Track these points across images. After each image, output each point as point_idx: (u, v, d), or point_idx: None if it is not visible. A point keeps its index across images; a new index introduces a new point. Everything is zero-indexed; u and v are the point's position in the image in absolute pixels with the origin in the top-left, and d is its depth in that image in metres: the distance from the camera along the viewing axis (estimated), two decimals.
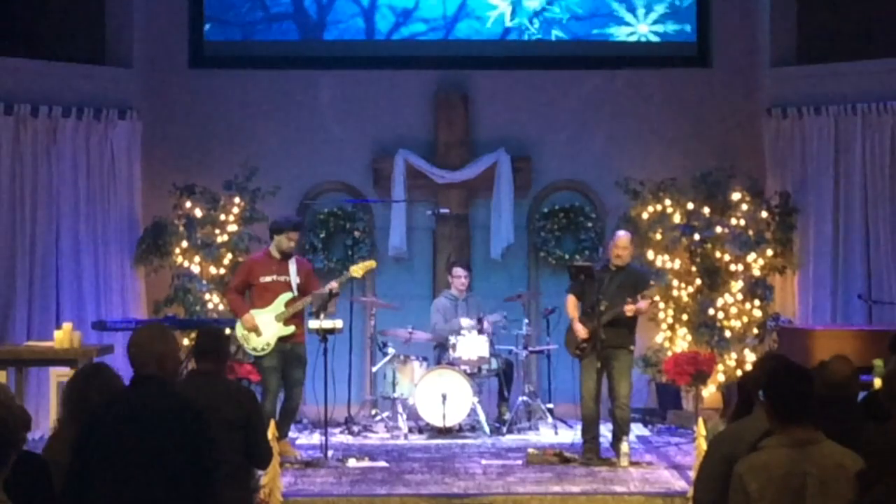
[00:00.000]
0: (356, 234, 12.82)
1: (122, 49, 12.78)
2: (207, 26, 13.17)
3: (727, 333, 12.26)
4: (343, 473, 9.52)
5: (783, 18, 12.91)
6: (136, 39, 12.79)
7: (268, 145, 12.91)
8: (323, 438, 10.24)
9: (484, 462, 10.03)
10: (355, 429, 11.52)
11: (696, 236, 12.34)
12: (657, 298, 11.67)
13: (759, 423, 4.82)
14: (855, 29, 12.71)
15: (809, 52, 12.84)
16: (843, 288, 12.34)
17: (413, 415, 11.46)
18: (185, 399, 5.06)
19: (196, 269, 12.19)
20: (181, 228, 12.22)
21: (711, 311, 12.28)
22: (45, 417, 10.79)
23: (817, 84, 12.63)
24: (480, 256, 12.88)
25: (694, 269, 12.38)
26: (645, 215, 12.45)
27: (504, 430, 11.46)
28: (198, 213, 12.26)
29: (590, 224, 12.91)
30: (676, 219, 12.41)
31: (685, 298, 12.37)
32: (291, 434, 10.65)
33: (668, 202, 12.44)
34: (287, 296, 10.08)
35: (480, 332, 11.51)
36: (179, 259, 12.21)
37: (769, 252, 12.43)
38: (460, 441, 11.08)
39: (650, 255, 12.38)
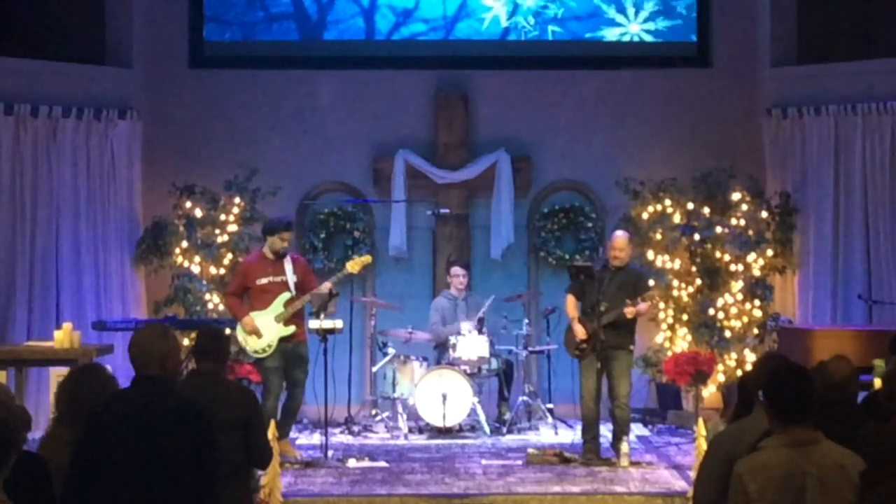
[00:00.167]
0: (356, 234, 12.82)
1: (122, 49, 12.78)
2: (208, 26, 13.18)
3: (727, 333, 12.26)
4: (343, 473, 9.52)
5: (783, 18, 12.91)
6: (136, 39, 12.79)
7: (268, 145, 12.91)
8: (323, 438, 10.25)
9: (484, 462, 10.03)
10: (355, 429, 11.52)
11: (696, 236, 12.34)
12: (657, 300, 11.65)
13: (759, 423, 4.83)
14: (855, 29, 12.72)
15: (809, 52, 12.84)
16: (843, 288, 12.34)
17: (413, 415, 11.46)
18: (186, 399, 5.06)
19: (196, 270, 12.19)
20: (181, 228, 12.23)
21: (711, 311, 12.28)
22: (45, 417, 10.72)
23: (817, 84, 12.63)
24: (480, 256, 12.89)
25: (694, 269, 12.38)
26: (645, 215, 12.45)
27: (504, 430, 11.46)
28: (198, 213, 12.26)
29: (590, 224, 12.91)
30: (676, 219, 12.41)
31: (685, 298, 12.37)
32: (292, 434, 10.64)
33: (668, 202, 12.44)
34: (285, 296, 10.08)
35: (480, 332, 11.51)
36: (179, 259, 12.21)
37: (769, 252, 12.43)
38: (460, 441, 11.08)
39: (650, 255, 12.38)
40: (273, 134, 12.98)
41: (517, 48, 13.27)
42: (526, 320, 12.02)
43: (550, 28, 13.15)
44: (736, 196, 12.41)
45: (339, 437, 11.25)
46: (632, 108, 13.06)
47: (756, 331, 12.28)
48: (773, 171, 12.75)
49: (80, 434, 5.02)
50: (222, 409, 5.90)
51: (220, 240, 12.26)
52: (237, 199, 12.31)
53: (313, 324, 10.25)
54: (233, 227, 12.29)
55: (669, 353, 12.28)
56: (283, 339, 10.05)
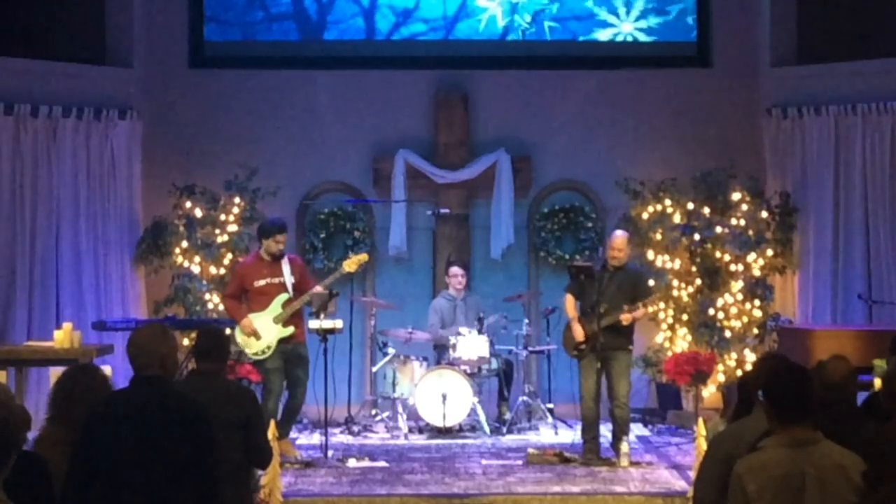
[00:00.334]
0: (356, 234, 12.82)
1: (122, 49, 12.78)
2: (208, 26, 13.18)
3: (727, 333, 12.26)
4: (343, 473, 9.52)
5: (783, 18, 12.91)
6: (136, 39, 12.79)
7: (268, 145, 12.91)
8: (323, 438, 10.26)
9: (484, 462, 10.03)
10: (355, 429, 11.52)
11: (696, 236, 12.34)
12: (657, 304, 11.65)
13: (759, 423, 4.83)
14: (855, 29, 12.71)
15: (809, 52, 12.84)
16: (843, 288, 12.34)
17: (413, 415, 11.46)
18: (186, 399, 5.06)
19: (196, 270, 12.19)
20: (181, 228, 12.23)
21: (711, 311, 12.28)
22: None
23: (817, 84, 12.63)
24: (480, 256, 12.89)
25: (694, 269, 12.38)
26: (645, 215, 12.44)
27: (504, 430, 11.46)
28: (198, 213, 12.26)
29: (590, 224, 12.91)
30: (676, 219, 12.41)
31: (685, 298, 12.37)
32: (292, 434, 10.64)
33: (668, 202, 12.44)
34: (283, 297, 10.06)
35: (480, 332, 11.51)
36: (179, 259, 12.21)
37: (769, 252, 12.43)
38: (460, 441, 11.08)
39: (650, 255, 12.38)
40: (273, 134, 12.98)
41: (517, 48, 13.27)
42: (526, 320, 12.02)
43: (547, 24, 13.14)
44: (736, 196, 12.40)
45: (339, 437, 11.25)
46: (632, 108, 13.06)
47: (756, 331, 12.29)
48: (773, 171, 12.75)
49: (77, 434, 5.02)
50: (222, 409, 5.90)
51: (220, 240, 12.26)
52: (237, 199, 12.31)
53: (313, 324, 10.25)
54: (233, 227, 12.29)
55: (669, 353, 12.28)
56: (282, 340, 10.04)
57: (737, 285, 12.34)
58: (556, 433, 11.42)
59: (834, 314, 12.32)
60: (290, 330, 10.04)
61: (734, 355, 12.24)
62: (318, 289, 10.19)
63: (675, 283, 12.34)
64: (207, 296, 12.05)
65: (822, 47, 12.75)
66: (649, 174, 12.59)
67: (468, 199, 12.99)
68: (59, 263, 12.06)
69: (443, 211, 12.67)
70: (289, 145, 12.99)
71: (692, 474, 8.48)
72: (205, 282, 12.16)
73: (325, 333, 10.08)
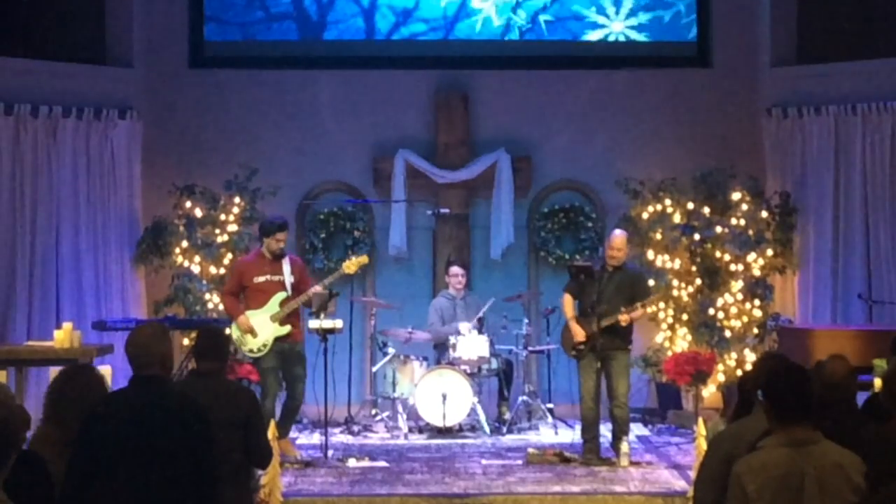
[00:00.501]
0: (356, 234, 12.83)
1: (122, 49, 12.79)
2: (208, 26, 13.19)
3: (727, 333, 12.26)
4: (343, 473, 9.52)
5: (783, 18, 12.91)
6: (136, 39, 12.80)
7: (268, 145, 12.91)
8: (323, 438, 10.25)
9: (484, 462, 10.03)
10: (355, 429, 11.52)
11: (696, 236, 12.34)
12: (655, 305, 11.65)
13: (759, 423, 4.82)
14: (855, 29, 12.72)
15: (809, 52, 12.84)
16: (843, 288, 12.34)
17: (413, 415, 11.46)
18: (186, 399, 5.07)
19: (196, 269, 12.19)
20: (181, 228, 12.23)
21: (711, 311, 12.28)
22: None
23: (817, 84, 12.64)
24: (480, 256, 12.89)
25: (694, 269, 12.38)
26: (645, 215, 12.45)
27: (504, 430, 11.46)
28: (198, 213, 12.26)
29: (590, 224, 12.91)
30: (676, 219, 12.41)
31: (685, 298, 12.37)
32: (291, 434, 10.63)
33: (668, 202, 12.44)
34: (281, 295, 10.05)
35: (480, 332, 11.51)
36: (179, 259, 12.22)
37: (769, 252, 12.43)
38: (460, 441, 11.08)
39: (650, 255, 12.38)
40: (273, 134, 12.98)
41: (517, 48, 13.28)
42: (526, 320, 12.02)
43: (542, 18, 13.13)
44: (736, 196, 12.40)
45: (339, 437, 11.25)
46: (632, 108, 13.06)
47: (756, 331, 12.29)
48: (773, 171, 12.75)
49: (71, 434, 5.02)
50: (222, 409, 5.90)
51: (220, 240, 12.26)
52: (237, 199, 12.31)
53: (313, 324, 10.25)
54: (233, 227, 12.29)
55: (669, 353, 12.28)
56: (278, 339, 10.03)
57: (737, 285, 12.34)
58: (556, 433, 11.42)
59: (834, 314, 12.32)
60: (287, 329, 10.03)
61: (734, 355, 12.24)
62: (318, 288, 10.19)
63: (675, 283, 12.34)
64: (207, 296, 12.05)
65: (822, 47, 12.75)
66: (649, 174, 12.59)
67: (468, 199, 12.99)
68: (59, 263, 12.06)
69: (443, 211, 12.67)
70: (289, 145, 12.99)
71: (692, 474, 8.48)
72: (205, 282, 12.16)
73: (325, 333, 10.08)
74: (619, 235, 10.22)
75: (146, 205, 12.60)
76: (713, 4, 13.12)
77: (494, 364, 11.64)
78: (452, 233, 12.91)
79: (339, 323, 10.45)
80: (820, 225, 12.47)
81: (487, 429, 11.40)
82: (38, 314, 11.90)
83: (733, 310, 12.30)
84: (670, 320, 12.41)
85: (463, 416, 11.25)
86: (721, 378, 12.16)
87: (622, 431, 9.94)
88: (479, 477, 9.41)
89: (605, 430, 10.24)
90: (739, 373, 11.64)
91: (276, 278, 10.09)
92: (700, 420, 8.88)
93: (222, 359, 6.38)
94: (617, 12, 13.14)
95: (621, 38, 13.16)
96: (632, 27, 13.16)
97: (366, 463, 9.88)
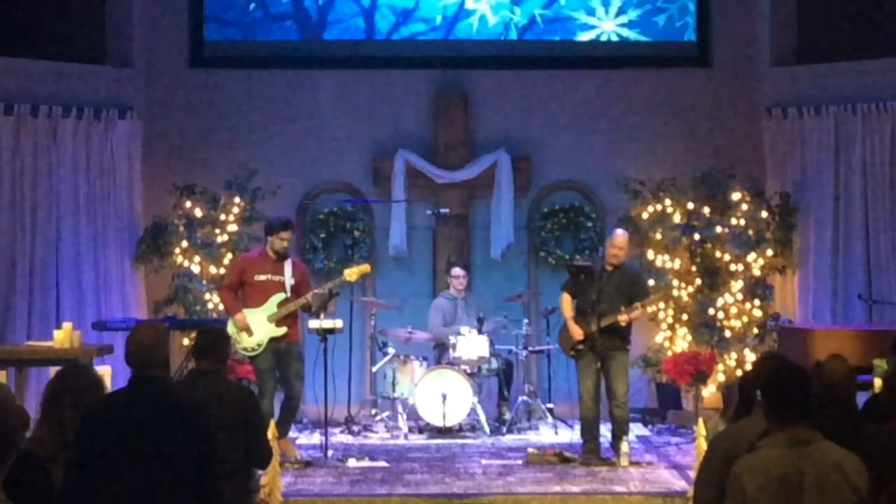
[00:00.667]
0: (356, 234, 12.83)
1: (122, 49, 12.78)
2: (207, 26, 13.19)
3: (727, 333, 12.26)
4: (343, 473, 9.52)
5: (783, 18, 12.91)
6: (136, 39, 12.80)
7: (268, 145, 12.92)
8: (323, 438, 10.25)
9: (484, 462, 10.03)
10: (355, 429, 11.52)
11: (696, 236, 12.34)
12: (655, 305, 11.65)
13: (759, 423, 4.82)
14: (855, 29, 12.71)
15: (809, 52, 12.84)
16: (843, 288, 12.34)
17: (413, 415, 11.46)
18: (186, 399, 5.06)
19: (196, 269, 12.19)
20: (181, 228, 12.23)
21: (711, 311, 12.28)
22: None
23: (817, 84, 12.64)
24: (480, 256, 12.89)
25: (694, 269, 12.38)
26: (645, 215, 12.45)
27: (504, 430, 11.46)
28: (198, 213, 12.26)
29: (590, 224, 12.91)
30: (676, 219, 12.41)
31: (685, 298, 12.37)
32: (291, 434, 10.63)
33: (668, 202, 12.44)
34: (280, 296, 10.04)
35: (480, 332, 11.51)
36: (179, 259, 12.22)
37: (769, 252, 12.43)
38: (460, 441, 11.08)
39: (650, 255, 12.38)
40: (273, 134, 12.98)
41: (517, 48, 13.28)
42: (526, 320, 12.02)
43: (537, 13, 13.12)
44: (736, 196, 12.40)
45: (339, 437, 11.25)
46: (632, 108, 13.06)
47: (756, 331, 12.29)
48: (773, 171, 12.75)
49: (67, 434, 5.02)
50: (222, 409, 5.91)
51: (220, 240, 12.26)
52: (237, 199, 12.31)
53: (313, 324, 10.24)
54: (233, 227, 12.29)
55: (669, 353, 12.28)
56: (273, 339, 10.01)
57: (737, 285, 12.34)
58: (556, 433, 11.42)
59: (834, 314, 12.32)
60: (283, 330, 10.00)
61: (734, 355, 12.24)
62: (317, 291, 10.16)
63: (675, 283, 12.34)
64: (207, 296, 12.05)
65: (822, 47, 12.75)
66: (649, 174, 12.59)
67: (468, 199, 12.99)
68: (59, 263, 12.06)
69: (443, 211, 12.67)
70: (289, 145, 12.99)
71: (692, 474, 8.48)
72: (205, 282, 12.15)
73: (325, 333, 10.07)
74: (621, 235, 10.21)
75: (146, 205, 12.60)
76: (713, 4, 13.12)
77: (494, 364, 11.64)
78: (452, 233, 12.91)
79: (339, 323, 10.44)
80: (820, 225, 12.47)
81: (487, 429, 11.40)
82: (38, 314, 11.90)
83: (733, 310, 12.30)
84: (670, 320, 12.41)
85: (463, 416, 11.25)
86: (721, 378, 12.16)
87: (622, 431, 9.94)
88: (479, 477, 9.41)
89: (605, 430, 10.24)
90: (739, 373, 11.65)
91: (276, 278, 10.09)
92: (700, 420, 8.88)
93: (222, 359, 6.38)
94: (606, 12, 13.13)
95: (613, 38, 13.14)
96: (622, 25, 13.14)
97: (366, 463, 9.88)
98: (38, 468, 4.91)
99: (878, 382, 8.03)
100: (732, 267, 12.37)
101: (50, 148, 12.11)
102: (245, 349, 10.02)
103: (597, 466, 9.71)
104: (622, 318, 9.82)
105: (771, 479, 4.49)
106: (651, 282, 11.61)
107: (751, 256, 12.36)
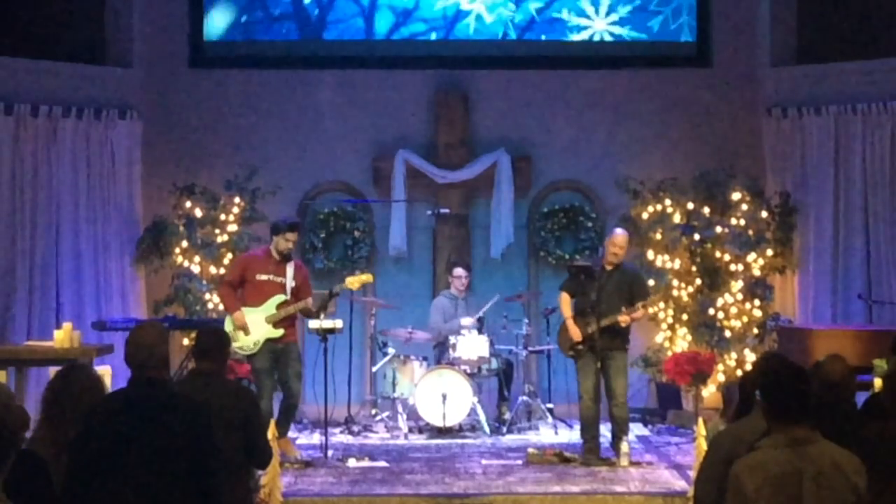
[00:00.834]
0: (356, 234, 12.83)
1: (122, 49, 12.79)
2: (207, 26, 13.17)
3: (727, 333, 12.27)
4: (343, 473, 9.52)
5: (783, 18, 12.92)
6: (136, 39, 12.80)
7: (268, 145, 12.92)
8: (323, 438, 10.25)
9: (484, 462, 10.03)
10: (355, 429, 11.52)
11: (696, 236, 12.35)
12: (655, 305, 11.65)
13: (759, 423, 4.82)
14: (855, 29, 12.72)
15: (809, 52, 12.84)
16: (843, 288, 12.34)
17: (413, 415, 11.46)
18: (186, 399, 5.07)
19: (196, 269, 12.20)
20: (181, 228, 12.23)
21: (711, 311, 12.28)
22: None
23: (817, 84, 12.64)
24: (480, 256, 12.89)
25: (694, 269, 12.38)
26: (645, 215, 12.45)
27: (504, 429, 11.46)
28: (198, 213, 12.27)
29: (590, 224, 12.92)
30: (676, 219, 12.41)
31: (685, 298, 12.37)
32: (291, 434, 10.63)
33: (668, 202, 12.44)
34: (279, 298, 10.02)
35: (480, 331, 11.51)
36: (179, 259, 12.22)
37: (769, 252, 12.43)
38: (460, 441, 11.08)
39: (650, 255, 12.38)
40: (273, 134, 12.98)
41: (517, 48, 13.28)
42: (526, 320, 12.02)
43: (532, 6, 13.12)
44: (736, 196, 12.41)
45: (339, 437, 11.25)
46: (632, 108, 13.07)
47: (756, 331, 12.29)
48: (773, 171, 12.75)
49: (68, 435, 5.02)
50: (222, 409, 5.91)
51: (220, 240, 12.27)
52: (237, 199, 12.32)
53: (313, 324, 10.24)
54: (233, 227, 12.29)
55: (669, 353, 12.28)
56: (270, 340, 10.00)
57: (737, 285, 12.34)
58: (556, 433, 11.42)
59: (834, 314, 12.32)
60: (280, 332, 9.98)
61: (734, 355, 12.25)
62: (310, 301, 10.11)
63: (675, 283, 12.34)
64: (207, 296, 12.05)
65: (822, 47, 12.75)
66: (649, 174, 12.60)
67: (468, 198, 12.99)
68: (59, 263, 12.07)
69: (443, 211, 12.68)
70: (289, 145, 12.99)
71: (692, 474, 8.48)
72: (205, 282, 12.16)
73: (325, 333, 10.07)
74: (621, 234, 10.20)
75: (146, 205, 12.61)
76: (713, 4, 13.12)
77: (494, 364, 11.64)
78: (452, 233, 12.91)
79: (339, 323, 10.44)
80: (820, 225, 12.48)
81: (487, 429, 11.40)
82: (38, 314, 11.90)
83: (733, 310, 12.31)
84: (670, 320, 12.41)
85: (463, 416, 11.25)
86: (721, 378, 12.16)
87: (622, 431, 9.94)
88: (479, 477, 9.40)
89: (605, 430, 10.24)
90: (739, 373, 11.65)
91: (278, 279, 10.08)
92: (700, 420, 8.87)
93: (222, 359, 6.38)
94: (597, 11, 13.13)
95: (607, 38, 13.14)
96: (613, 23, 13.14)
97: (366, 463, 9.88)
98: (38, 468, 4.91)
99: (878, 382, 8.03)
100: (732, 267, 12.37)
101: (50, 148, 12.11)
102: (240, 348, 9.99)
103: (597, 466, 9.71)
104: (622, 319, 9.82)
105: (770, 478, 4.49)
106: (651, 282, 11.61)
107: (751, 256, 12.37)
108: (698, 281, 12.37)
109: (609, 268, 10.05)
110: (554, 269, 12.75)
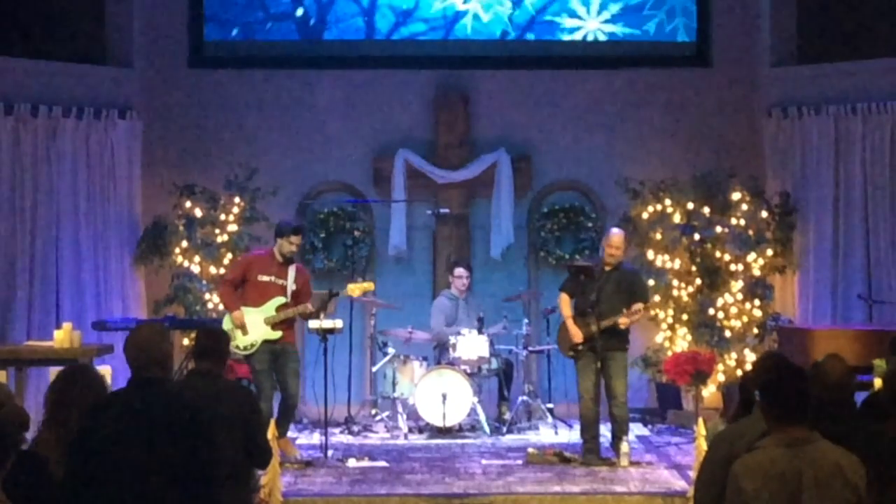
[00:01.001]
0: (356, 234, 12.83)
1: (122, 49, 12.79)
2: (207, 26, 13.18)
3: (727, 333, 12.26)
4: (343, 473, 9.52)
5: (783, 18, 12.91)
6: (136, 39, 12.80)
7: (268, 145, 12.92)
8: (323, 438, 10.25)
9: (484, 462, 10.03)
10: (355, 429, 11.52)
11: (696, 236, 12.35)
12: (654, 307, 11.66)
13: (759, 423, 4.82)
14: (855, 29, 12.71)
15: (809, 52, 12.84)
16: (843, 288, 12.34)
17: (413, 415, 11.46)
18: (186, 400, 5.06)
19: (196, 269, 12.20)
20: (181, 228, 12.23)
21: (711, 311, 12.28)
22: None
23: (817, 84, 12.63)
24: (480, 256, 12.88)
25: (694, 269, 12.38)
26: (645, 215, 12.45)
27: (504, 429, 11.46)
28: (198, 213, 12.27)
29: (590, 224, 12.91)
30: (676, 219, 12.41)
31: (685, 298, 12.37)
32: (291, 434, 10.63)
33: (668, 202, 12.44)
34: (279, 300, 10.01)
35: (480, 331, 11.51)
36: (179, 259, 12.22)
37: (769, 252, 12.43)
38: (460, 441, 11.08)
39: (650, 255, 12.38)
40: (273, 134, 12.98)
41: (517, 48, 13.28)
42: (526, 320, 12.02)
43: (528, 2, 13.11)
44: (736, 196, 12.40)
45: (339, 437, 11.24)
46: (632, 109, 13.06)
47: (756, 331, 12.29)
48: (773, 171, 12.75)
49: (72, 435, 5.02)
50: (222, 409, 5.91)
51: (220, 239, 12.27)
52: (237, 199, 12.32)
53: (313, 324, 10.24)
54: (233, 227, 12.29)
55: (669, 353, 12.28)
56: (267, 341, 10.00)
57: (737, 285, 12.34)
58: (556, 433, 11.42)
59: (834, 314, 12.32)
60: (278, 334, 9.96)
61: (734, 355, 12.24)
62: (309, 306, 10.07)
63: (675, 283, 12.34)
64: (207, 296, 12.06)
65: (822, 47, 12.75)
66: (649, 174, 12.60)
67: (468, 198, 12.99)
68: (59, 263, 12.06)
69: (443, 211, 12.67)
70: (289, 145, 12.99)
71: (692, 474, 8.48)
72: (205, 282, 12.16)
73: (325, 333, 10.07)
74: (617, 234, 10.20)
75: (146, 205, 12.61)
76: (713, 4, 13.12)
77: (494, 364, 11.64)
78: (452, 233, 12.91)
79: (339, 323, 10.44)
80: (820, 225, 12.47)
81: (487, 429, 11.40)
82: (38, 314, 11.90)
83: (733, 310, 12.30)
84: (670, 320, 12.41)
85: (463, 416, 11.25)
86: (721, 378, 12.16)
87: (622, 431, 9.94)
88: (479, 477, 9.41)
89: (605, 430, 10.24)
90: (739, 373, 11.66)
91: (279, 282, 10.07)
92: (700, 420, 8.88)
93: (222, 359, 6.38)
94: (589, 10, 13.13)
95: (601, 37, 13.14)
96: (607, 21, 13.14)
97: (366, 463, 9.88)
98: (38, 468, 4.91)
99: (877, 382, 8.03)
100: (732, 267, 12.37)
101: (50, 148, 12.11)
102: (238, 347, 9.97)
103: (597, 466, 9.70)
104: (622, 321, 9.82)
105: (770, 479, 4.50)
106: (651, 282, 11.61)
107: (751, 256, 12.37)
108: (698, 281, 12.37)
109: (608, 268, 10.04)
110: (554, 269, 12.75)
